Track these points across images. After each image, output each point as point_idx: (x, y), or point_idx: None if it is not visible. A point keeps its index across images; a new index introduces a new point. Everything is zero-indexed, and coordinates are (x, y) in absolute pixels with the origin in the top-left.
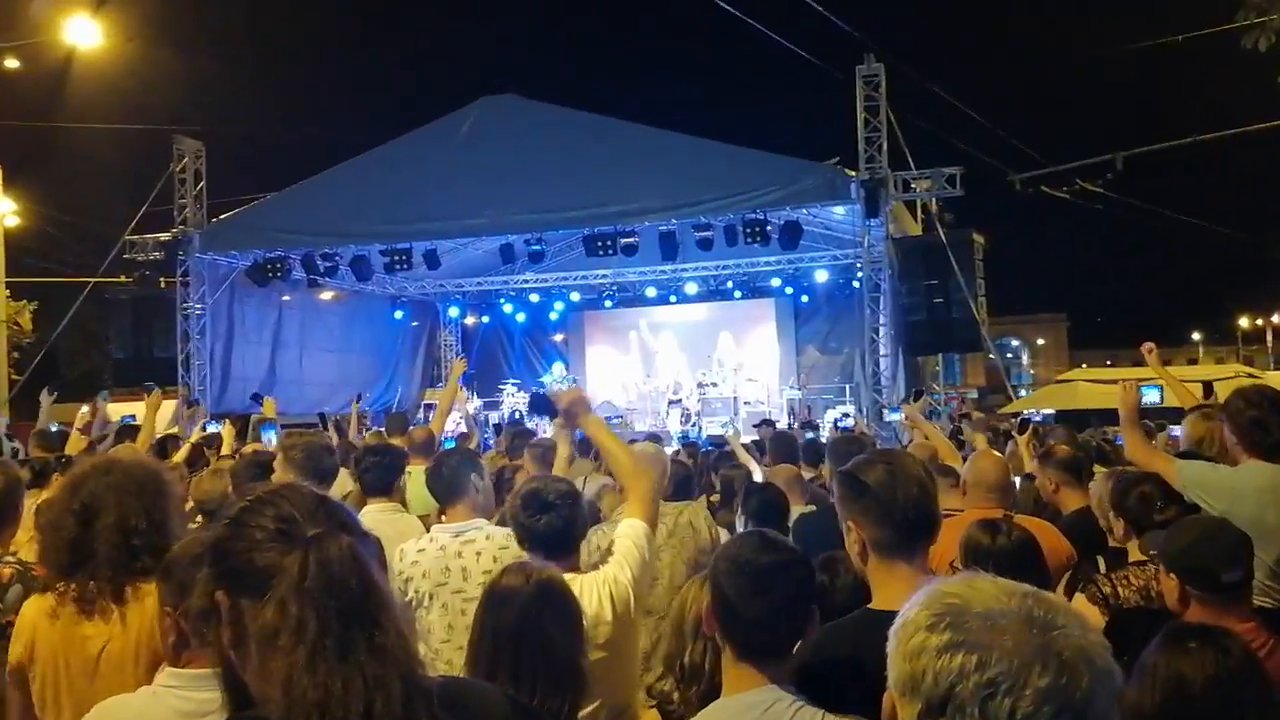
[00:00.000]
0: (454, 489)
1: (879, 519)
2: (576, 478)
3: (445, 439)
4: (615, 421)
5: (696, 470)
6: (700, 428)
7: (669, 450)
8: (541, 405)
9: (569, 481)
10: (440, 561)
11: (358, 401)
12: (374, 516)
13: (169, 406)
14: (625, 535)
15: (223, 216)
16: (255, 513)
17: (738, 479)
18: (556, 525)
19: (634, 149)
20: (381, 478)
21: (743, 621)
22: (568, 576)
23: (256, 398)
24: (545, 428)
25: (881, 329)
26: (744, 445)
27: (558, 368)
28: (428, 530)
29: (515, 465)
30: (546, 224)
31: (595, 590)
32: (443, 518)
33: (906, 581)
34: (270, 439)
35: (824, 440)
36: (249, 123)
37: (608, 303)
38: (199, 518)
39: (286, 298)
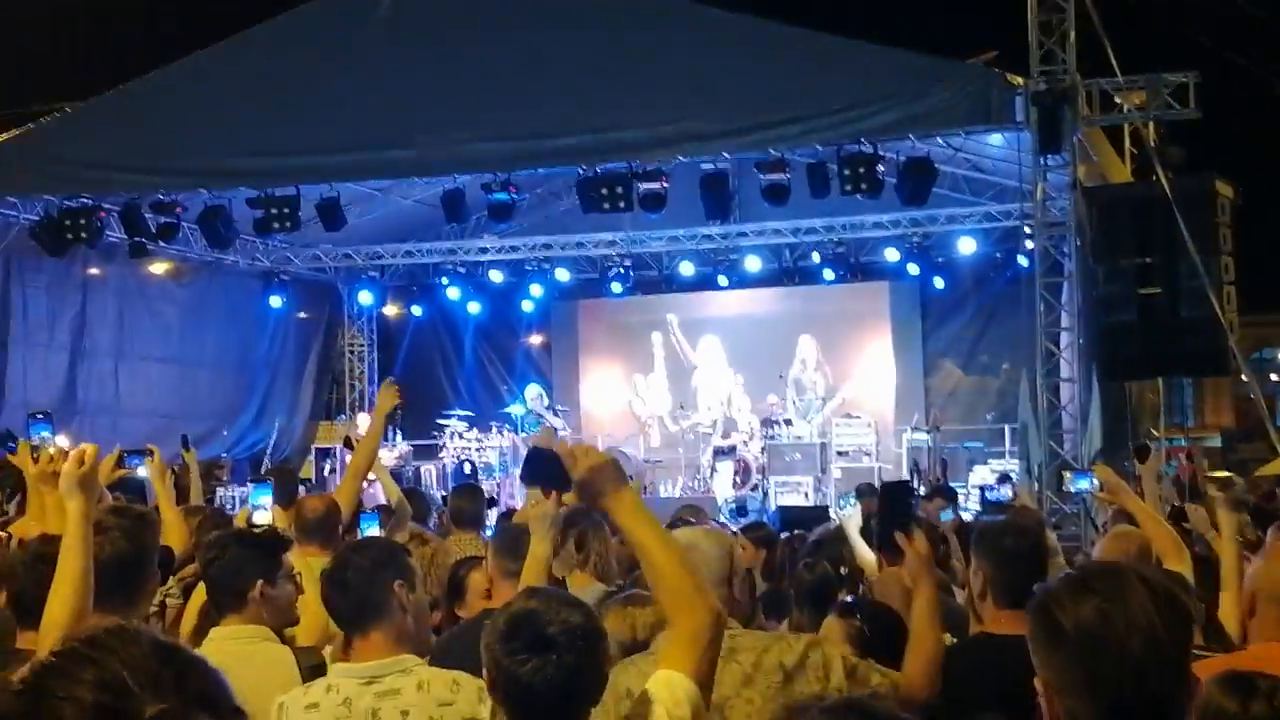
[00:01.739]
0: (367, 606)
1: (1079, 686)
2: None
3: (364, 515)
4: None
5: (779, 566)
6: (766, 493)
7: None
8: (542, 469)
9: (587, 610)
10: None
11: (151, 458)
12: (223, 647)
13: None
14: (659, 700)
15: None
16: (65, 675)
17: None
18: (553, 678)
19: (660, 37)
20: (230, 582)
21: None
22: None
23: (41, 417)
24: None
25: (1064, 334)
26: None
27: (533, 391)
28: (323, 671)
29: (477, 559)
30: (518, 157)
31: None
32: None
33: None
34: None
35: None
36: None
37: (617, 286)
38: None
39: (95, 272)
